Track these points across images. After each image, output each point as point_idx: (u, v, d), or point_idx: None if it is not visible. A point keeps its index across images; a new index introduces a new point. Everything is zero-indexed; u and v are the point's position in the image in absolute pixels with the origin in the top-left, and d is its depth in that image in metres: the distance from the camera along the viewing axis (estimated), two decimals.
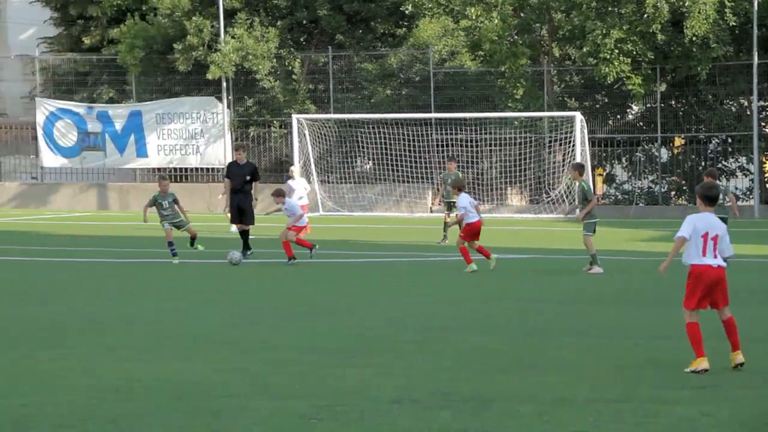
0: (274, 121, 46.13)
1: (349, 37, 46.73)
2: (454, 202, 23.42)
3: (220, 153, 45.89)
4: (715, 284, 9.96)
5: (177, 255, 21.42)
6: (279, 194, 22.53)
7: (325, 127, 44.21)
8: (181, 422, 7.95)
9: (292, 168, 33.95)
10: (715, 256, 9.99)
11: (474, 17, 42.05)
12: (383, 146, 43.44)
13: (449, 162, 29.77)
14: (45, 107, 47.88)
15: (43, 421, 7.95)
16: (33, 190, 47.89)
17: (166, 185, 21.86)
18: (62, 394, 8.85)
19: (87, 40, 51.68)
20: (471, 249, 19.50)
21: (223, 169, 46.07)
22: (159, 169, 48.39)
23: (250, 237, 22.78)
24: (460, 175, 28.49)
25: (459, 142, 42.97)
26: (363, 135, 43.93)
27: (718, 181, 24.13)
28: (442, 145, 43.05)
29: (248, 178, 23.05)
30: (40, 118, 47.77)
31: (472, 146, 43.05)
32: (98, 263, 22.08)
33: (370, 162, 45.17)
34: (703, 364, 9.84)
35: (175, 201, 21.62)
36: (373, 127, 43.47)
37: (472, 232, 19.62)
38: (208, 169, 47.14)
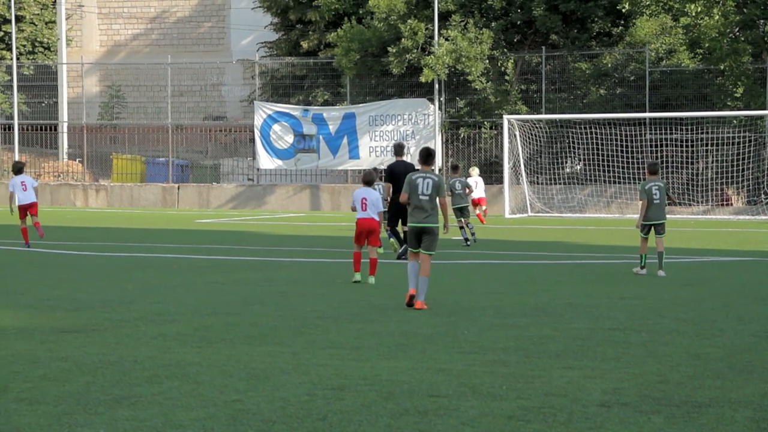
0: (485, 122, 46.21)
1: (564, 37, 46.43)
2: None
3: None
4: None
5: None
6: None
7: (536, 127, 44.11)
8: (389, 420, 8.03)
9: (471, 169, 36.37)
10: None
11: (694, 14, 41.15)
12: (595, 147, 43.07)
13: None
14: (263, 110, 49.15)
15: (257, 417, 8.16)
16: (249, 191, 49.22)
17: None
18: (275, 391, 9.06)
19: (305, 44, 52.95)
20: None
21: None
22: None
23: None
24: None
25: (674, 142, 42.25)
26: (574, 135, 43.67)
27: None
28: (656, 146, 42.39)
29: None
30: (258, 121, 49.06)
31: (687, 146, 42.23)
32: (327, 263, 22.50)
33: (581, 163, 44.84)
34: None
35: None
36: (586, 128, 43.17)
37: None
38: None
